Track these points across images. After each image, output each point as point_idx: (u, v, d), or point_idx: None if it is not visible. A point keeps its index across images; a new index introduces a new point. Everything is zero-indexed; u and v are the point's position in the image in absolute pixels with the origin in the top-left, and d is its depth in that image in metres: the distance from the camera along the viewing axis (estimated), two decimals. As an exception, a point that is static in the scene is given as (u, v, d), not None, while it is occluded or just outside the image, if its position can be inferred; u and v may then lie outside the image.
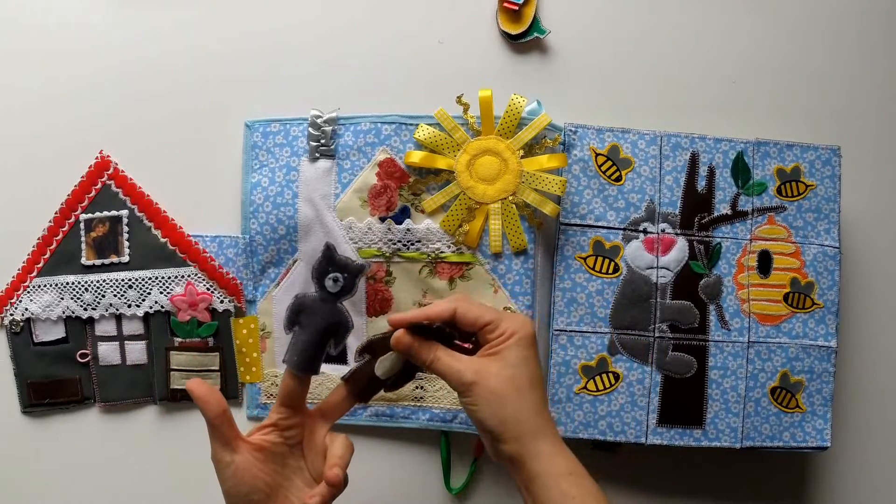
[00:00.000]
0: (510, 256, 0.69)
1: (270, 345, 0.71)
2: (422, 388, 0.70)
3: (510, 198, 0.69)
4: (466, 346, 0.56)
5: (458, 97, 0.68)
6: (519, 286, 0.69)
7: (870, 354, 0.76)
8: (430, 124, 0.69)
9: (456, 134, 0.69)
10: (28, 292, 0.69)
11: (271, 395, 0.71)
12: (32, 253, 0.69)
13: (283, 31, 0.72)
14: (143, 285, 0.69)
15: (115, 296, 0.69)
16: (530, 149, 0.69)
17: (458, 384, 0.52)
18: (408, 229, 0.69)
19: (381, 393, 0.58)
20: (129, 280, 0.69)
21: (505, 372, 0.52)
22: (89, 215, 0.69)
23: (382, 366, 0.56)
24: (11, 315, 0.69)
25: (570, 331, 0.68)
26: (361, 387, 0.56)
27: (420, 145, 0.69)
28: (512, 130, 0.68)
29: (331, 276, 0.55)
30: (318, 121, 0.69)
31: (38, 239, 0.69)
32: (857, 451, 0.76)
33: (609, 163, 0.69)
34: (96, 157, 0.69)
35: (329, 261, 0.55)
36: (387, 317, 0.67)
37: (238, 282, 0.70)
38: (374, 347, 0.56)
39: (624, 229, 0.69)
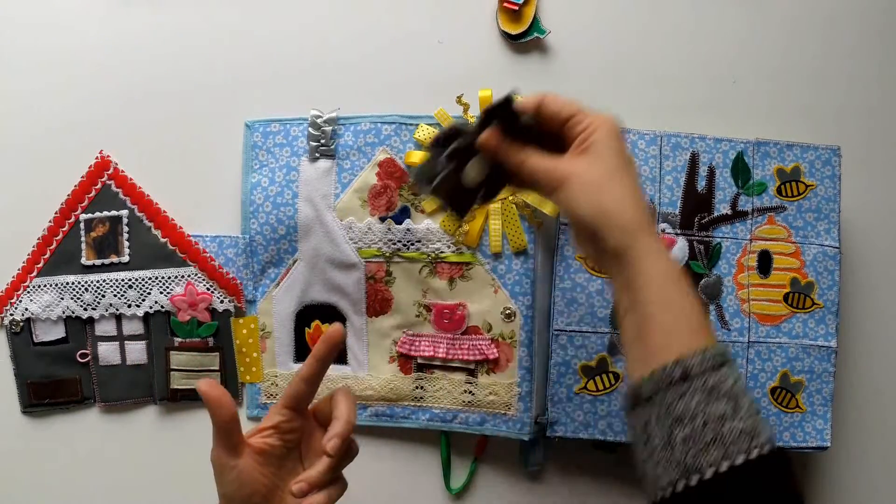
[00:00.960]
0: (510, 256, 0.69)
1: (270, 345, 0.71)
2: (422, 388, 0.70)
3: (510, 198, 0.69)
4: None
5: (458, 97, 0.68)
6: (519, 286, 0.69)
7: (870, 354, 0.76)
8: (430, 124, 0.69)
9: (456, 134, 0.69)
10: (28, 292, 0.69)
11: (271, 395, 0.71)
12: (32, 253, 0.69)
13: (283, 31, 0.72)
14: (143, 285, 0.69)
15: (115, 296, 0.69)
16: (530, 149, 0.69)
17: (550, 181, 0.51)
18: (408, 229, 0.69)
19: (476, 206, 0.55)
20: (129, 280, 0.69)
21: (597, 164, 0.50)
22: (89, 215, 0.69)
23: (469, 173, 0.53)
24: (11, 315, 0.69)
25: (571, 331, 0.68)
26: (455, 198, 0.54)
27: (420, 145, 0.69)
28: (512, 130, 0.68)
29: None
30: (318, 121, 0.69)
31: (38, 239, 0.69)
32: (857, 451, 0.76)
33: (609, 163, 0.69)
34: (96, 157, 0.69)
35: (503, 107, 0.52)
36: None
37: (238, 282, 0.70)
38: (458, 152, 0.53)
39: (624, 229, 0.69)
